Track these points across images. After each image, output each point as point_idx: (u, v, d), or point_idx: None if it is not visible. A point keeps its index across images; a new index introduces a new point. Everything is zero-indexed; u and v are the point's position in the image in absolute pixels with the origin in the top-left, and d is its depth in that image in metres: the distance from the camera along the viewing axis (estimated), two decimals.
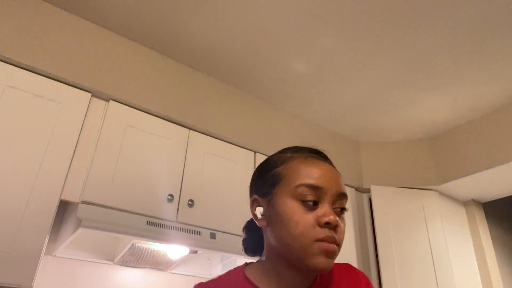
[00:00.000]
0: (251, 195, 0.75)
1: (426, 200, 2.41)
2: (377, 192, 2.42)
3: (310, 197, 0.65)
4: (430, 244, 2.28)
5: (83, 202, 1.47)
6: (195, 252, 1.65)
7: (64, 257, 1.67)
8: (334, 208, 0.66)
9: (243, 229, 0.80)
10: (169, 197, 1.67)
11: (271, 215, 0.68)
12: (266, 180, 0.71)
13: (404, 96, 2.22)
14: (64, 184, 1.46)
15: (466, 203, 2.62)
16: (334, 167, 0.72)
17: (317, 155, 0.72)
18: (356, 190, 2.49)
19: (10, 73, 1.50)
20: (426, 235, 2.30)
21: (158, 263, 1.79)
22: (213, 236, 1.70)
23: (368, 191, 2.50)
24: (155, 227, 1.57)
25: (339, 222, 0.65)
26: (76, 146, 1.54)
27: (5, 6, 1.58)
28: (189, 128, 1.91)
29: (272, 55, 1.97)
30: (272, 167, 0.72)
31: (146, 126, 1.77)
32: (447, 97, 2.20)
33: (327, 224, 0.63)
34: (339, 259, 0.69)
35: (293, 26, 1.79)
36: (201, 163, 1.85)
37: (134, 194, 1.59)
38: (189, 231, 1.65)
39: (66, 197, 1.46)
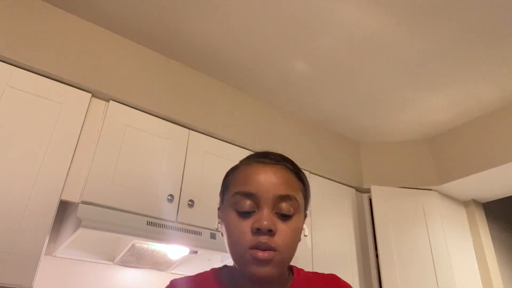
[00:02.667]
0: None
1: (426, 200, 2.41)
2: (377, 192, 2.41)
3: (243, 204, 0.64)
4: (430, 244, 2.28)
5: (83, 202, 1.46)
6: (195, 252, 1.65)
7: (64, 257, 1.67)
8: (276, 213, 0.63)
9: None
10: (169, 197, 1.67)
11: (222, 226, 0.69)
12: (221, 191, 0.74)
13: (404, 96, 2.22)
14: (64, 184, 1.46)
15: (466, 203, 2.62)
16: (292, 168, 0.69)
17: (264, 158, 0.69)
18: (356, 190, 2.49)
19: (10, 73, 1.50)
20: (426, 235, 2.30)
21: (158, 263, 1.78)
22: (213, 236, 1.70)
23: (368, 191, 2.50)
24: (155, 227, 1.57)
25: (278, 226, 0.62)
26: (76, 146, 1.54)
27: (5, 6, 1.58)
28: (189, 128, 1.91)
29: (272, 55, 1.97)
30: (225, 177, 0.74)
31: (146, 126, 1.77)
32: (447, 98, 2.20)
33: (258, 231, 0.61)
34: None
35: (293, 26, 1.79)
36: (201, 163, 1.85)
37: (134, 194, 1.59)
38: (189, 231, 1.65)
39: (66, 197, 1.46)
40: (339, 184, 2.41)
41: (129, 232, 1.48)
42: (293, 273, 0.74)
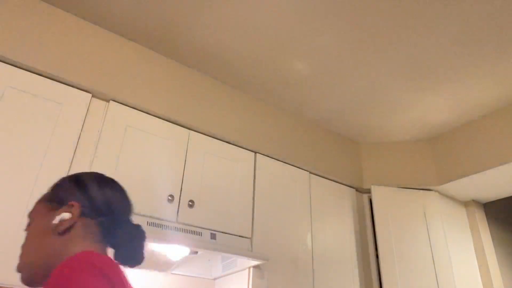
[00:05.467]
0: None
1: (427, 200, 2.41)
2: (377, 192, 2.41)
3: None
4: (430, 244, 2.28)
5: None
6: (196, 252, 1.65)
7: None
8: None
9: None
10: (169, 197, 1.66)
11: None
12: None
13: (404, 96, 2.22)
14: None
15: (467, 204, 2.62)
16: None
17: None
18: (356, 190, 2.49)
19: (10, 73, 1.50)
20: (426, 235, 2.30)
21: (158, 264, 1.78)
22: (213, 236, 1.70)
23: (368, 191, 2.50)
24: (155, 227, 1.56)
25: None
26: (76, 147, 1.54)
27: (5, 7, 1.58)
28: (189, 128, 1.91)
29: (272, 55, 1.97)
30: None
31: (146, 126, 1.76)
32: (447, 97, 2.20)
33: None
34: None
35: (293, 26, 1.79)
36: (201, 164, 1.85)
37: (134, 195, 1.59)
38: (189, 232, 1.65)
39: None
40: (339, 184, 2.41)
41: None
42: None
